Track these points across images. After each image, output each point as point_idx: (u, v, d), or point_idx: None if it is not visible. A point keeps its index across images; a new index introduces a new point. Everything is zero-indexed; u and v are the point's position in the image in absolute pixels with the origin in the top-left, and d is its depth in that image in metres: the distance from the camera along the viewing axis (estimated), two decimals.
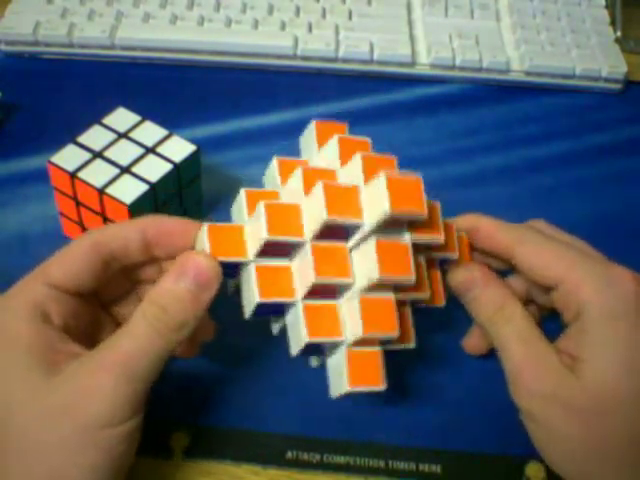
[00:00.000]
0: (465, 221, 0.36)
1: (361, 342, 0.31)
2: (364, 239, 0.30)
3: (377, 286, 0.30)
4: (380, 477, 0.35)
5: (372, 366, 0.32)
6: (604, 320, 0.31)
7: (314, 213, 0.30)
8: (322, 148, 0.33)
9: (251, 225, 0.31)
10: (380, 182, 0.29)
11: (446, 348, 0.39)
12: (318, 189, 0.29)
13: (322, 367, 0.34)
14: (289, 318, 0.32)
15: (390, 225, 0.30)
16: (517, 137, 0.53)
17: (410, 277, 0.30)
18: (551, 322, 0.37)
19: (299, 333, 0.31)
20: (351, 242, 0.31)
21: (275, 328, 0.35)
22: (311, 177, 0.31)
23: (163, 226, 0.32)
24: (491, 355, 0.38)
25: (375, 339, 0.32)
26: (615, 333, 0.30)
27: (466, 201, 0.48)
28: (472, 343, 0.38)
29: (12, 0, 0.55)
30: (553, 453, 0.32)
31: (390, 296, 0.31)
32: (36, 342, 0.29)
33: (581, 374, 0.30)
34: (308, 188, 0.31)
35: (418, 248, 0.32)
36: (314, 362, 0.36)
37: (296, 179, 0.31)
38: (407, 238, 0.31)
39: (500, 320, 0.33)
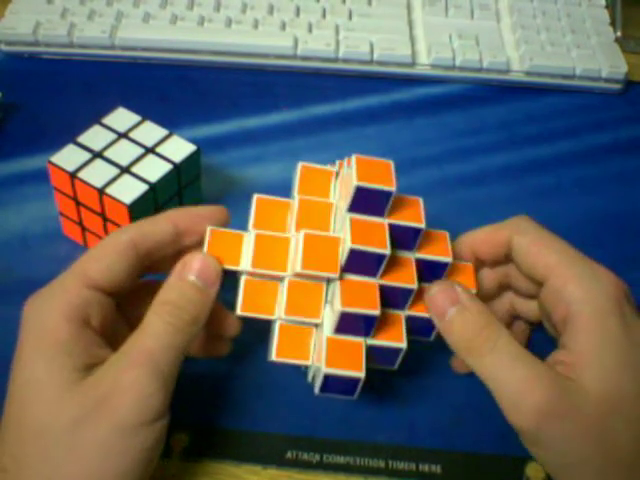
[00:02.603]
0: (462, 244, 0.35)
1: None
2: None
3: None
4: (380, 477, 0.35)
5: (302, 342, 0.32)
6: (597, 317, 0.30)
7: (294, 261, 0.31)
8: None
9: (247, 240, 0.32)
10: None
11: (446, 348, 0.39)
12: (300, 238, 0.31)
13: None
14: (272, 331, 0.33)
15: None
16: (517, 137, 0.53)
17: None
18: (538, 332, 0.37)
19: (271, 349, 0.32)
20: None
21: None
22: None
23: (194, 214, 0.33)
24: None
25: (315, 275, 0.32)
26: (608, 331, 0.30)
27: (467, 201, 0.48)
28: (460, 362, 0.37)
29: (12, 0, 0.55)
30: (568, 473, 0.30)
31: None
32: (76, 346, 0.29)
33: (583, 381, 0.29)
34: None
35: None
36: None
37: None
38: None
39: (483, 347, 0.30)
